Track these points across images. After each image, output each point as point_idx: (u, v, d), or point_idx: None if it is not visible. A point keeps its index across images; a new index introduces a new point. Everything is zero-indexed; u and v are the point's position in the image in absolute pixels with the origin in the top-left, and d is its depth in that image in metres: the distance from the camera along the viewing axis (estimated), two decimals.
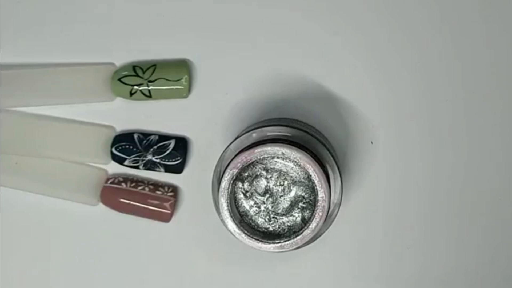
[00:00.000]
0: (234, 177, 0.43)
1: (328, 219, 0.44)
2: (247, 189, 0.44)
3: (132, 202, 0.49)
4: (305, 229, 0.43)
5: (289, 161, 0.44)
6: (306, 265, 0.50)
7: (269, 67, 0.49)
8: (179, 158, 0.49)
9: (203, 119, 0.50)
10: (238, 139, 0.45)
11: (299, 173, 0.44)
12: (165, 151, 0.49)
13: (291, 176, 0.44)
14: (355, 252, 0.50)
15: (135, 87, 0.49)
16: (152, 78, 0.48)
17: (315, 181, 0.43)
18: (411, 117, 0.49)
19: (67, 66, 0.50)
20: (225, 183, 0.43)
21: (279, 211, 0.45)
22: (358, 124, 0.49)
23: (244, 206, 0.45)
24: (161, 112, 0.50)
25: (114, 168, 0.51)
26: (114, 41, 0.50)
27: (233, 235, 0.44)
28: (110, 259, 0.51)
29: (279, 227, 0.45)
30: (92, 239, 0.51)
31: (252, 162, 0.44)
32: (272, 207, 0.45)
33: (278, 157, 0.44)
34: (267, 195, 0.44)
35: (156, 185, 0.50)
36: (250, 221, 0.45)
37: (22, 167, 0.50)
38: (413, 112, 0.49)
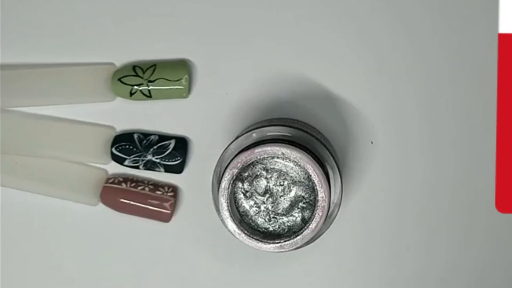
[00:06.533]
0: (234, 177, 0.43)
1: (328, 219, 0.44)
2: (247, 189, 0.44)
3: (132, 202, 0.49)
4: (305, 229, 0.43)
5: (289, 161, 0.44)
6: (306, 265, 0.50)
7: (269, 67, 0.49)
8: (179, 158, 0.49)
9: (203, 119, 0.50)
10: (238, 139, 0.45)
11: (299, 173, 0.44)
12: (165, 151, 0.49)
13: (291, 176, 0.44)
14: (355, 252, 0.50)
15: (135, 87, 0.49)
16: (152, 78, 0.48)
17: (315, 181, 0.43)
18: (411, 117, 0.49)
19: (67, 66, 0.50)
20: (225, 183, 0.43)
21: (279, 211, 0.45)
22: (358, 124, 0.49)
23: (244, 206, 0.45)
24: (161, 112, 0.50)
25: (114, 168, 0.51)
26: (114, 41, 0.50)
27: (233, 235, 0.44)
28: (110, 259, 0.51)
29: (279, 227, 0.45)
30: (92, 239, 0.51)
31: (252, 162, 0.44)
32: (272, 207, 0.45)
33: (278, 157, 0.44)
34: (267, 195, 0.44)
35: (156, 185, 0.50)
36: (250, 221, 0.45)
37: (22, 167, 0.50)
38: (413, 112, 0.49)
